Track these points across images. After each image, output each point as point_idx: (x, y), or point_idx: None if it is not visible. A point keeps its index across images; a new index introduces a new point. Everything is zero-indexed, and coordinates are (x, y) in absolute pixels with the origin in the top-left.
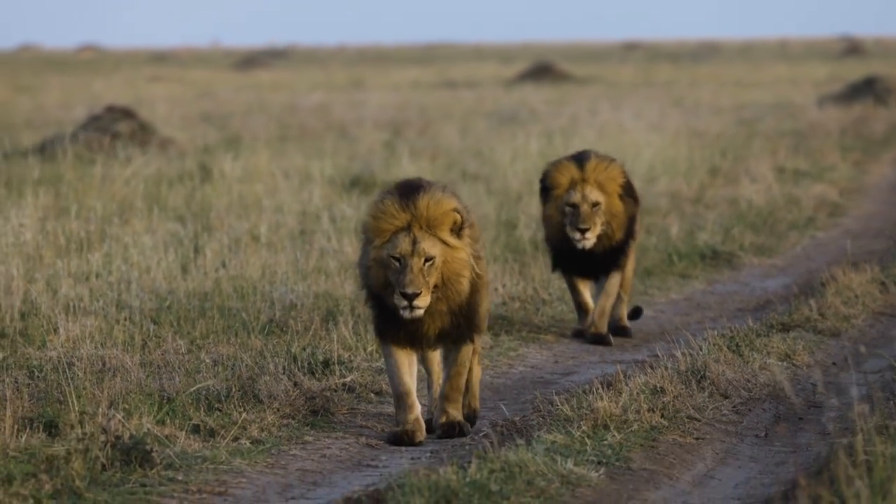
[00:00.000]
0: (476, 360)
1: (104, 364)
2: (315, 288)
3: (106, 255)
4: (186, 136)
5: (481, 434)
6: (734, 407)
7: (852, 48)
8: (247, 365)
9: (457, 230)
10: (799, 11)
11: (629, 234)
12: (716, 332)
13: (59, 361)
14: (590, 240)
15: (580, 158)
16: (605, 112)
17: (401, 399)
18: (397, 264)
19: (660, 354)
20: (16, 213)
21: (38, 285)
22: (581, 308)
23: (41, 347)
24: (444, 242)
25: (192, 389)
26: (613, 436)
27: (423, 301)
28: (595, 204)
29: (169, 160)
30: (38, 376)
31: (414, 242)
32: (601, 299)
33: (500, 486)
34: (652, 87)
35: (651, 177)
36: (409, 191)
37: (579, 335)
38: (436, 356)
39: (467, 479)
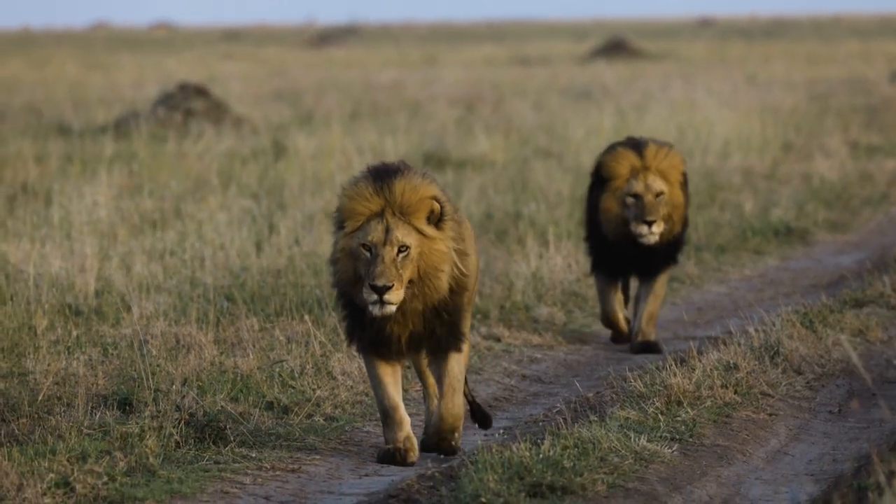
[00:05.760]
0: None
1: (178, 341)
2: None
3: (180, 233)
4: (259, 113)
5: (555, 410)
6: (807, 383)
7: None
8: (320, 342)
9: (435, 220)
10: None
11: (685, 225)
12: (789, 309)
13: (133, 339)
14: (655, 234)
15: (637, 145)
16: (677, 88)
17: (388, 415)
18: (367, 254)
19: (733, 330)
20: (90, 191)
21: (112, 263)
22: (610, 318)
23: (115, 325)
24: (421, 232)
25: (265, 366)
26: (687, 412)
27: (395, 296)
28: (659, 193)
29: (242, 138)
30: (113, 354)
31: (387, 230)
32: (650, 302)
33: (573, 463)
34: (725, 63)
35: (725, 153)
36: (384, 174)
37: (618, 340)
38: (424, 362)
39: (540, 456)
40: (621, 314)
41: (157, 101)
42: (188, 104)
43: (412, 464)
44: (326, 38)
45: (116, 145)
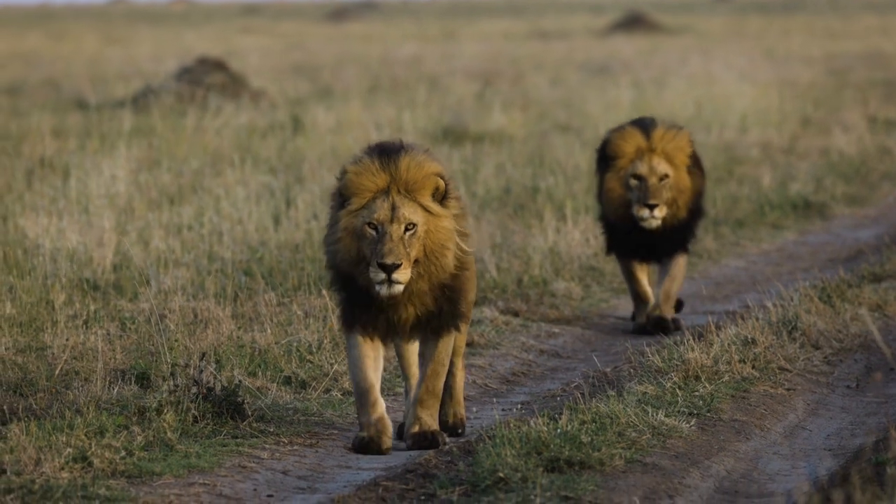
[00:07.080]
0: (460, 363)
1: (196, 316)
2: None
3: (198, 208)
4: (278, 87)
5: (573, 385)
6: (825, 358)
7: None
8: (338, 316)
9: (439, 197)
10: None
11: (695, 211)
12: (807, 283)
13: (150, 314)
14: (657, 218)
15: (645, 125)
16: (695, 63)
17: (363, 395)
18: (374, 233)
19: (751, 305)
20: (108, 166)
21: (130, 237)
22: (640, 298)
23: (133, 300)
24: (426, 209)
25: (283, 341)
26: (704, 387)
27: (404, 275)
28: (663, 177)
29: (260, 112)
30: (130, 328)
31: (393, 208)
32: (665, 282)
33: (590, 438)
34: (743, 37)
35: (743, 127)
36: (388, 151)
37: (642, 330)
38: (413, 355)
39: (558, 431)
40: (648, 288)
41: (176, 75)
42: (206, 78)
43: (387, 451)
44: (345, 12)
45: (135, 119)
